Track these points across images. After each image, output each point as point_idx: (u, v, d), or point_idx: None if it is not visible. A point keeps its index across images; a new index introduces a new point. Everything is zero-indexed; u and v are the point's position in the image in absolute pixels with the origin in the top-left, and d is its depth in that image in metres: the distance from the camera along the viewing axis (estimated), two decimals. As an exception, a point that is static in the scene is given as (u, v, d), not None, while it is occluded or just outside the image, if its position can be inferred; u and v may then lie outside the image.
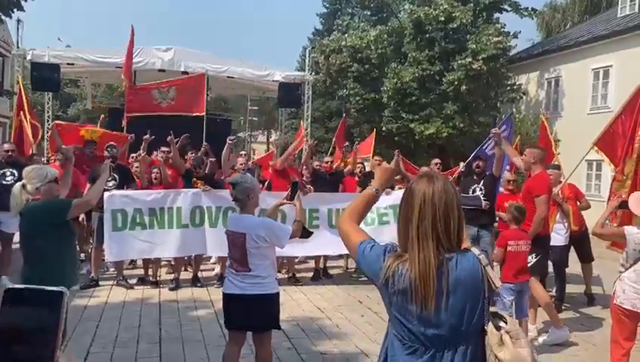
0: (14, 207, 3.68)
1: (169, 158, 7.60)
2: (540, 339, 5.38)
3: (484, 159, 7.36)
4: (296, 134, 11.57)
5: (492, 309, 1.95)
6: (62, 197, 3.97)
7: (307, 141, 9.10)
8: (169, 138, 7.35)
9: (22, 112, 9.34)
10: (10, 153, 7.08)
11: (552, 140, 8.36)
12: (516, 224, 5.15)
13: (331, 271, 8.32)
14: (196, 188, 7.31)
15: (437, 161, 8.67)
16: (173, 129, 7.63)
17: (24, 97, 9.72)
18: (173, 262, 7.64)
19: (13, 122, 8.51)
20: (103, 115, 10.21)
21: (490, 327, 1.88)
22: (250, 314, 3.70)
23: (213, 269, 8.22)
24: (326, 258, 8.29)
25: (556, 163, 7.53)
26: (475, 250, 1.94)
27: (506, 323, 1.90)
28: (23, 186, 3.70)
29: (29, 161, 7.55)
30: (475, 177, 7.10)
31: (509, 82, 19.97)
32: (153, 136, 7.70)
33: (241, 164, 7.77)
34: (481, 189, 6.89)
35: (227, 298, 3.79)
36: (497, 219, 6.86)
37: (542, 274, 5.79)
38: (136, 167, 7.73)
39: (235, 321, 3.80)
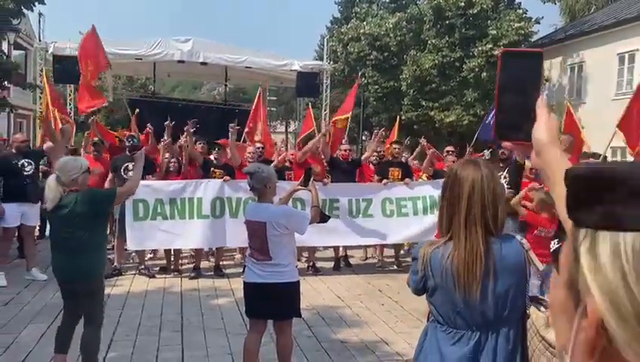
0: (52, 200, 3.63)
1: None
2: None
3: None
4: (304, 121, 11.40)
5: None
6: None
7: (328, 127, 8.98)
8: (186, 128, 7.25)
9: (51, 107, 9.37)
10: (24, 143, 7.15)
11: (579, 126, 8.16)
12: (548, 211, 5.04)
13: (352, 261, 8.31)
14: (214, 178, 7.33)
15: (450, 148, 8.55)
16: (191, 118, 7.62)
17: (49, 91, 9.78)
18: (193, 252, 7.71)
19: (45, 115, 8.56)
20: (137, 110, 10.26)
21: (533, 310, 1.93)
22: (271, 303, 3.71)
23: (233, 258, 8.28)
24: (346, 247, 8.27)
25: (585, 150, 7.37)
26: (517, 236, 2.01)
27: (545, 307, 1.92)
28: (57, 178, 3.68)
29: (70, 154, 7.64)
30: (500, 164, 6.98)
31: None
32: (174, 122, 7.61)
33: (249, 153, 7.76)
34: (505, 177, 6.77)
35: (248, 287, 3.81)
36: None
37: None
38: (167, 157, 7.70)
39: (257, 310, 3.82)
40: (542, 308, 1.95)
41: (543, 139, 0.93)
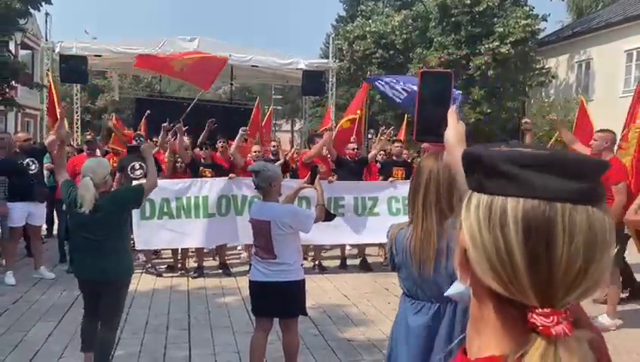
0: (89, 203, 3.56)
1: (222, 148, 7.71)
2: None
3: (530, 129, 7.02)
4: (324, 122, 11.26)
5: None
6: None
7: (333, 127, 8.97)
8: (177, 125, 7.14)
9: (55, 107, 9.41)
10: (27, 142, 7.17)
11: (592, 123, 7.96)
12: None
13: (355, 260, 8.29)
14: (204, 176, 7.28)
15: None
16: (196, 118, 7.63)
17: (54, 91, 9.83)
18: (196, 251, 7.66)
19: (49, 115, 8.58)
20: (148, 112, 10.28)
21: None
22: (277, 301, 3.72)
23: (239, 257, 8.29)
24: (363, 247, 8.15)
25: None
26: None
27: None
28: (92, 180, 3.61)
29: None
30: None
31: (538, 66, 19.52)
32: (172, 124, 7.53)
33: (255, 152, 7.76)
34: None
35: (254, 285, 3.82)
36: None
37: (620, 265, 5.52)
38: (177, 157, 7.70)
39: (262, 308, 3.82)
40: None
41: (452, 142, 1.16)
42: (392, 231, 2.30)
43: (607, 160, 5.08)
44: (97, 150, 8.21)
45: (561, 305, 0.68)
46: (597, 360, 0.70)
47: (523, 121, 6.31)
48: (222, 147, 7.78)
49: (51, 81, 10.25)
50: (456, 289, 1.26)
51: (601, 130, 5.60)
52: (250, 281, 3.87)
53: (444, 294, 1.48)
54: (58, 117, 8.65)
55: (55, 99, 9.59)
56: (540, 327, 0.66)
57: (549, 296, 0.68)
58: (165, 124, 7.51)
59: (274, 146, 8.85)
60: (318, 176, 4.13)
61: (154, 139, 7.73)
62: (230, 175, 7.31)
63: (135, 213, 6.92)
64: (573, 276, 0.67)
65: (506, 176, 0.70)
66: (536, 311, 0.67)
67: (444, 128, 1.16)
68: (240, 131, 7.53)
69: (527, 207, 0.68)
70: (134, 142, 7.72)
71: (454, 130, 1.17)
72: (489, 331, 0.74)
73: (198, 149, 8.03)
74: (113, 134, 8.93)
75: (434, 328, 2.18)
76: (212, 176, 7.31)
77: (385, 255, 8.17)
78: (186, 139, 7.45)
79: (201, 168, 7.37)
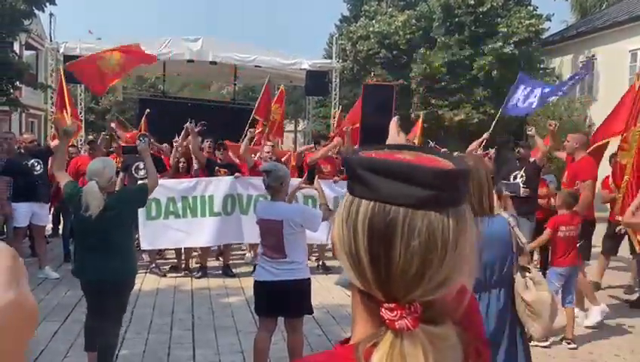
0: (97, 206, 3.53)
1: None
2: (586, 322, 5.35)
3: (527, 146, 7.17)
4: (337, 127, 10.83)
5: (521, 263, 2.49)
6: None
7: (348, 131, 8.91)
8: (189, 125, 7.11)
9: (64, 109, 9.34)
10: (33, 143, 7.20)
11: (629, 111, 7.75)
12: (567, 209, 5.06)
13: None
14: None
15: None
16: (201, 118, 7.63)
17: (65, 92, 9.77)
18: (200, 252, 7.65)
19: (54, 116, 8.53)
20: (148, 110, 10.27)
21: (517, 276, 2.41)
22: (286, 300, 3.74)
23: (243, 258, 8.29)
24: None
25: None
26: (505, 214, 2.41)
27: (530, 272, 2.43)
28: (97, 183, 3.59)
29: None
30: (517, 163, 6.94)
31: (542, 66, 19.47)
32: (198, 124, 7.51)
33: (268, 152, 7.77)
34: (522, 176, 6.71)
35: (260, 285, 3.82)
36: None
37: (585, 258, 5.84)
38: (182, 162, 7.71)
39: (271, 307, 3.81)
40: (527, 274, 2.43)
41: None
42: None
43: (580, 158, 5.33)
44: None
45: (407, 301, 0.72)
46: (463, 353, 0.75)
47: (528, 131, 6.64)
48: (208, 146, 7.72)
49: (63, 78, 10.13)
50: (340, 278, 1.38)
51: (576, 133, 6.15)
52: (255, 281, 3.88)
53: (334, 283, 1.59)
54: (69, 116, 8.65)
55: (66, 99, 9.54)
56: (387, 321, 0.71)
57: (391, 293, 0.73)
58: (187, 125, 7.24)
59: (268, 152, 7.91)
60: (317, 176, 4.17)
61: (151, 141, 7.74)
62: (236, 174, 7.33)
63: (141, 213, 6.93)
64: (411, 276, 0.72)
65: (361, 181, 0.75)
66: (384, 305, 0.72)
67: (386, 138, 1.21)
68: (247, 133, 7.60)
69: (374, 210, 0.73)
70: (138, 142, 7.72)
71: (395, 140, 1.23)
72: (358, 320, 0.80)
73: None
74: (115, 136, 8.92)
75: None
76: (236, 174, 7.32)
77: None
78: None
79: (217, 168, 7.42)
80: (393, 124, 1.18)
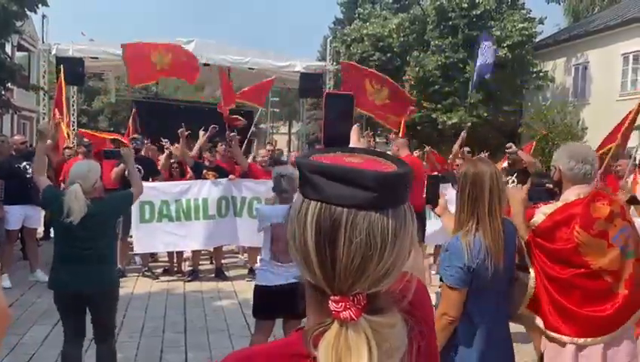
0: (79, 211, 3.32)
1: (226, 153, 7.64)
2: None
3: (516, 152, 7.13)
4: None
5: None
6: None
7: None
8: (180, 131, 6.99)
9: (60, 115, 9.16)
10: (24, 145, 7.13)
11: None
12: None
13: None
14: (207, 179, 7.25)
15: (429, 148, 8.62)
16: (194, 120, 7.58)
17: (64, 97, 9.65)
18: (191, 254, 7.50)
19: (57, 120, 8.35)
20: (134, 110, 10.20)
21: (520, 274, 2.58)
22: (292, 300, 3.67)
23: (236, 259, 8.26)
24: None
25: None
26: (506, 217, 2.50)
27: (529, 272, 2.60)
28: (81, 187, 3.38)
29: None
30: (507, 168, 6.96)
31: (535, 69, 19.57)
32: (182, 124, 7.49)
33: (264, 156, 7.76)
34: (513, 181, 6.73)
35: (266, 290, 3.76)
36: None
37: None
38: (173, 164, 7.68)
39: (277, 309, 3.76)
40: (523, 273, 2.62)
41: None
42: (464, 240, 2.30)
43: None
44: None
45: (351, 293, 0.79)
46: (408, 337, 0.83)
47: (506, 149, 6.75)
48: (223, 150, 7.71)
49: (63, 80, 10.03)
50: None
51: None
52: (259, 286, 3.82)
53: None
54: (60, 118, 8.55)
55: (63, 100, 9.46)
56: (333, 312, 0.78)
57: (337, 286, 0.79)
58: (182, 130, 7.08)
59: (264, 156, 8.12)
60: None
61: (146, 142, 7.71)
62: (230, 176, 7.28)
63: (134, 216, 6.88)
64: (354, 271, 0.78)
65: (310, 183, 0.81)
66: (331, 297, 0.79)
67: (348, 144, 1.25)
68: (230, 135, 7.32)
69: (321, 210, 0.79)
70: (131, 145, 7.68)
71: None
72: (310, 311, 0.87)
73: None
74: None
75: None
76: (215, 178, 7.26)
77: None
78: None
79: (205, 171, 7.33)
80: (355, 130, 1.24)
